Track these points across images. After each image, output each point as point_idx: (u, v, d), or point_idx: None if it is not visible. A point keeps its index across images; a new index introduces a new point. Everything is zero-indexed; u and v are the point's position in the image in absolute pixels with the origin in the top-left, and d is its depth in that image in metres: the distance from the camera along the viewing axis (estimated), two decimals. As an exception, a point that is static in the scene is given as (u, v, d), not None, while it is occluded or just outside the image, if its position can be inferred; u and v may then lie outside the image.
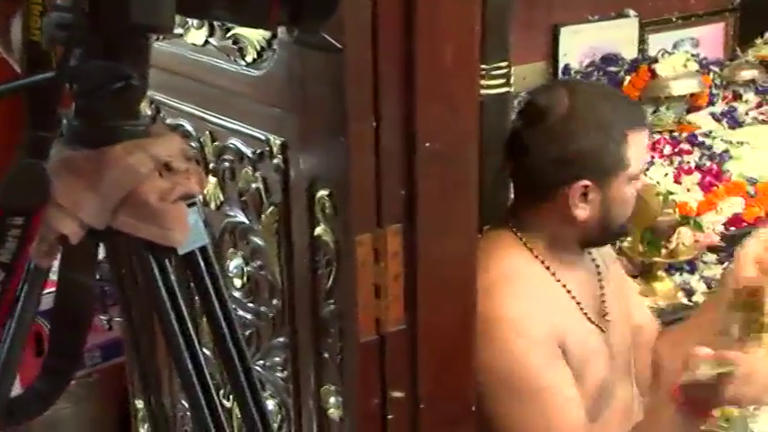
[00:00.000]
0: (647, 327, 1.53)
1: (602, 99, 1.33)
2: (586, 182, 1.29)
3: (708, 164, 2.26)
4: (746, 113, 2.45)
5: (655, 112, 2.40)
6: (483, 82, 1.63)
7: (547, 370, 1.27)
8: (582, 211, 1.30)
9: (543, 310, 1.30)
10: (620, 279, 1.52)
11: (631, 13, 2.42)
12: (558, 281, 1.35)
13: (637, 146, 1.30)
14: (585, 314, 1.36)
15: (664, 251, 2.08)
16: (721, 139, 2.33)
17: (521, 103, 1.46)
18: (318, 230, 1.11)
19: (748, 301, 1.23)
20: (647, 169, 1.38)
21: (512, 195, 1.45)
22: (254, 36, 1.11)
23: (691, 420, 1.19)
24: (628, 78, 2.35)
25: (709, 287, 2.12)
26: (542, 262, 1.35)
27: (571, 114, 1.29)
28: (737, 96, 2.50)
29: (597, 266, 1.42)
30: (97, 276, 0.94)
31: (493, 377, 1.26)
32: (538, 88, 1.47)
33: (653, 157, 2.26)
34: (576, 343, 1.32)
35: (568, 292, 1.35)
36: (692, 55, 2.38)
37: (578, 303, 1.36)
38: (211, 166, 1.28)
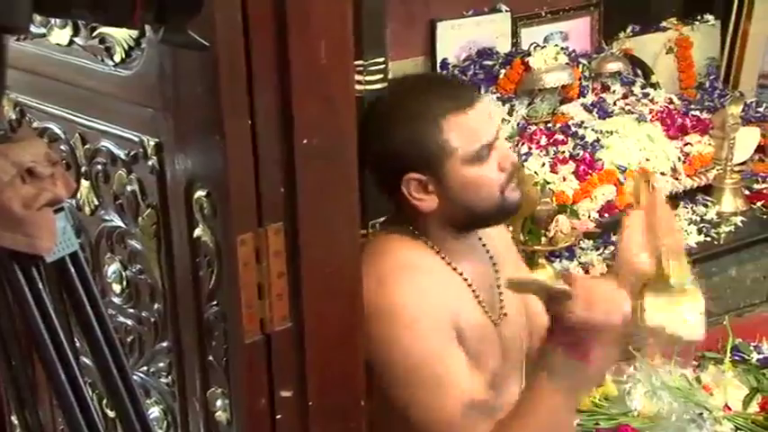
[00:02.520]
0: (541, 314, 1.53)
1: (413, 92, 1.33)
2: (415, 174, 1.30)
3: (581, 153, 2.35)
4: (614, 104, 2.56)
5: (530, 104, 2.48)
6: (361, 78, 1.65)
7: (443, 356, 1.27)
8: (426, 203, 1.31)
9: (439, 297, 1.30)
10: (516, 268, 1.52)
11: (504, 7, 2.49)
12: (455, 269, 1.36)
13: (460, 128, 1.28)
14: (483, 306, 1.37)
15: (543, 239, 2.15)
16: (592, 129, 2.42)
17: None
18: (198, 231, 1.10)
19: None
20: (493, 144, 1.32)
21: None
22: (122, 35, 1.08)
23: (572, 364, 1.14)
24: (503, 72, 2.41)
25: (586, 272, 2.21)
26: (437, 252, 1.36)
27: (386, 111, 1.31)
28: (606, 88, 2.61)
29: (491, 258, 1.43)
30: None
31: (396, 366, 1.25)
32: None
33: (530, 148, 2.33)
34: (472, 331, 1.32)
35: (465, 280, 1.36)
36: (562, 48, 2.47)
37: (474, 292, 1.37)
38: (83, 169, 1.24)
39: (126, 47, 1.08)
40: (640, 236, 1.29)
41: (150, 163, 1.13)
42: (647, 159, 2.39)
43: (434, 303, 1.29)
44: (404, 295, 1.28)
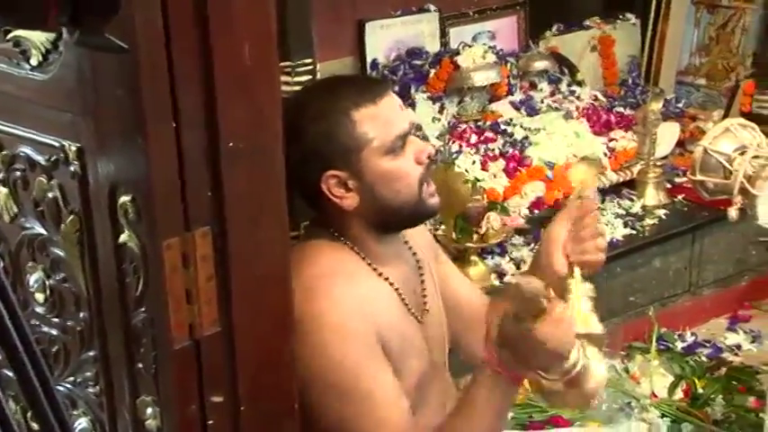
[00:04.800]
0: (475, 301, 1.56)
1: (321, 90, 1.36)
2: (334, 171, 1.30)
3: (511, 150, 2.38)
4: (542, 101, 2.60)
5: (460, 102, 2.51)
6: (289, 78, 1.65)
7: (367, 370, 1.28)
8: (348, 200, 1.32)
9: (364, 308, 1.30)
10: (441, 269, 1.54)
11: (432, 7, 2.51)
12: (381, 275, 1.37)
13: (373, 119, 1.30)
14: (408, 308, 1.39)
15: (475, 236, 2.18)
16: (521, 127, 2.46)
17: None
18: (123, 237, 1.08)
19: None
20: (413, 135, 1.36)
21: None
22: (38, 38, 1.05)
23: (506, 385, 1.25)
24: (432, 71, 2.43)
25: (518, 267, 2.24)
26: (361, 256, 1.36)
27: (297, 113, 1.31)
28: (533, 85, 2.65)
29: (418, 261, 1.45)
30: None
31: (317, 379, 1.26)
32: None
33: (461, 146, 2.36)
34: (397, 338, 1.34)
35: (391, 285, 1.37)
36: (490, 47, 2.50)
37: (401, 296, 1.38)
38: (1, 176, 1.20)
39: (43, 50, 1.05)
40: (560, 237, 1.39)
41: (72, 168, 1.10)
42: (575, 156, 2.44)
43: (360, 316, 1.29)
44: (331, 307, 1.28)
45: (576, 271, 1.36)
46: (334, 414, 1.28)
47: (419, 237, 1.50)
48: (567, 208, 1.43)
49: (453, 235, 2.17)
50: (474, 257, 2.21)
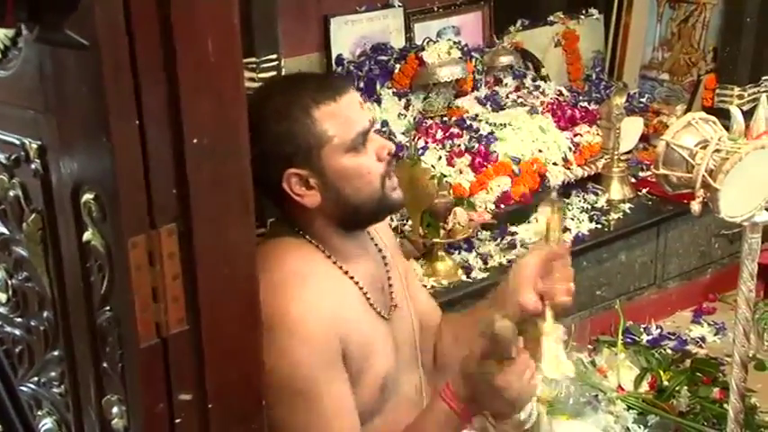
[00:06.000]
0: (429, 313, 1.57)
1: (280, 88, 1.35)
2: (295, 170, 1.30)
3: (476, 146, 2.39)
4: (507, 97, 2.61)
5: (426, 98, 2.51)
6: (254, 75, 1.64)
7: (324, 378, 1.29)
8: (310, 198, 1.32)
9: (329, 310, 1.30)
10: (404, 267, 1.55)
11: (397, 3, 2.52)
12: (346, 273, 1.36)
13: (333, 117, 1.29)
14: (373, 306, 1.39)
15: (442, 232, 2.18)
16: (487, 122, 2.47)
17: None
18: (87, 236, 1.06)
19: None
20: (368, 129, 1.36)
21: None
22: (-3, 34, 1.04)
23: (456, 420, 1.29)
24: (398, 67, 2.43)
25: (485, 263, 2.26)
26: (326, 254, 1.36)
27: (256, 111, 1.29)
28: (498, 81, 2.67)
29: (384, 257, 1.45)
30: None
31: (273, 379, 1.25)
32: None
33: (427, 142, 2.36)
34: (360, 337, 1.34)
35: (356, 283, 1.37)
36: (455, 43, 2.51)
37: (366, 295, 1.38)
38: (-39, 175, 1.18)
39: (1, 46, 1.04)
40: (532, 274, 1.38)
41: (33, 166, 1.09)
42: (540, 150, 2.46)
43: (323, 316, 1.29)
44: (293, 308, 1.28)
45: (548, 312, 1.36)
46: (285, 418, 1.28)
47: (383, 233, 1.50)
48: (539, 248, 1.42)
49: (420, 231, 2.18)
50: (441, 253, 2.22)
